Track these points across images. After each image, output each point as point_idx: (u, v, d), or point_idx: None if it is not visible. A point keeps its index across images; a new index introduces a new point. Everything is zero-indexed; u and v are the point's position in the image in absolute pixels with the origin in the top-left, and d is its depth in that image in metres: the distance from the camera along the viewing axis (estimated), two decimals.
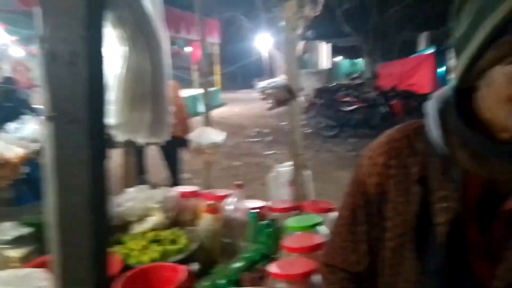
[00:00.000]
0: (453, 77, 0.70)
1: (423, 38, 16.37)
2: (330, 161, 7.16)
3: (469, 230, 0.69)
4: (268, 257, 1.35)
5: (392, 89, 10.07)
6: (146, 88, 1.37)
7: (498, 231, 0.67)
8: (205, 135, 2.03)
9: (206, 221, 1.63)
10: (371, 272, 0.81)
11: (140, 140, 1.44)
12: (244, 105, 14.97)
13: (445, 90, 0.75)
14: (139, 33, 1.32)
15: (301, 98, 1.71)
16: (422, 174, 0.74)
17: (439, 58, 10.42)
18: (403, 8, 13.77)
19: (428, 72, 11.05)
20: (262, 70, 18.41)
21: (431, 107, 0.75)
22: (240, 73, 31.92)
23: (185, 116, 4.66)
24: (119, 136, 1.39)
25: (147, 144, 1.47)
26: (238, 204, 1.59)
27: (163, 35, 1.45)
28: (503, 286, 0.65)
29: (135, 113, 1.38)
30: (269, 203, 1.70)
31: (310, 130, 10.09)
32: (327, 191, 4.93)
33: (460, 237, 0.69)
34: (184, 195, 1.77)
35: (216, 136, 2.00)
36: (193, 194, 1.79)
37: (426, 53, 12.06)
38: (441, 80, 9.76)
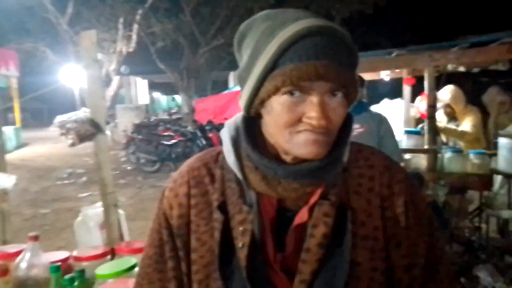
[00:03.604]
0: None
1: (232, 77, 18.00)
2: (152, 197, 6.96)
3: (267, 248, 0.72)
4: None
5: (208, 122, 10.61)
6: None
7: (291, 246, 0.71)
8: None
9: None
10: None
11: None
12: (54, 144, 13.37)
13: (236, 118, 0.79)
14: None
15: (108, 132, 1.60)
16: (222, 200, 0.75)
17: None
18: (211, 50, 14.91)
19: (239, 106, 12.10)
20: (73, 106, 16.94)
21: (224, 135, 0.78)
22: (47, 109, 28.69)
23: None
24: None
25: None
26: (34, 260, 1.34)
27: None
28: None
29: None
30: (75, 252, 1.49)
31: (131, 167, 9.68)
32: None
33: (261, 256, 0.71)
34: None
35: (3, 180, 1.67)
36: None
37: (235, 90, 13.24)
38: None
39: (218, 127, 10.39)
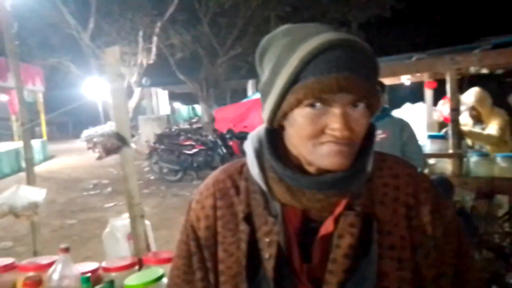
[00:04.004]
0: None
1: (250, 85, 18.14)
2: (176, 206, 7.04)
3: (293, 259, 0.73)
4: None
5: (228, 131, 10.69)
6: None
7: (317, 256, 0.72)
8: (19, 195, 1.74)
9: None
10: None
11: None
12: (79, 156, 13.70)
13: (259, 130, 0.80)
14: None
15: (133, 145, 1.64)
16: (248, 211, 0.76)
17: None
18: (229, 59, 15.06)
19: (258, 114, 12.16)
20: (97, 118, 17.35)
21: (248, 147, 0.79)
22: (72, 122, 29.45)
23: None
24: None
25: None
26: (65, 271, 1.38)
27: None
28: None
29: None
30: (104, 263, 1.53)
31: (154, 177, 9.82)
32: (175, 237, 4.77)
33: (287, 267, 0.72)
34: None
35: (34, 194, 1.73)
36: (6, 267, 1.49)
37: (254, 98, 13.30)
38: None
39: (238, 135, 10.46)
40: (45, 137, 14.65)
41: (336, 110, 0.65)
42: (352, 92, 0.65)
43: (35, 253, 2.46)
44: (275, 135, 0.76)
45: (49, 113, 13.46)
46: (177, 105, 25.14)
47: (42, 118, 13.25)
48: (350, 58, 0.65)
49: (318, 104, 0.66)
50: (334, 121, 0.65)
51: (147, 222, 1.75)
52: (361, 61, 0.66)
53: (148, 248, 1.73)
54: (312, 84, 0.64)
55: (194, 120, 17.74)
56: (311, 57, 0.65)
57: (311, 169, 0.72)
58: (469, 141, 3.89)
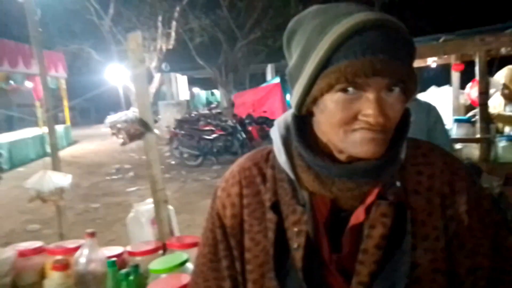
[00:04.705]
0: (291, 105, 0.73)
1: (269, 70, 17.99)
2: (197, 190, 7.12)
3: (322, 249, 0.71)
4: None
5: (248, 116, 10.68)
6: None
7: (347, 246, 0.70)
8: (46, 180, 1.77)
9: (54, 280, 1.41)
10: None
11: None
12: (101, 141, 13.97)
13: (286, 117, 0.78)
14: None
15: (156, 131, 1.64)
16: (275, 200, 0.74)
17: (286, 86, 11.53)
18: (248, 44, 14.93)
19: (277, 99, 12.15)
20: (118, 103, 17.59)
21: (274, 134, 0.77)
22: (94, 107, 29.96)
23: None
24: None
25: None
26: (92, 255, 1.41)
27: None
28: None
29: None
30: (129, 247, 1.55)
31: (174, 162, 9.94)
32: (196, 222, 4.87)
33: (316, 257, 0.70)
34: (23, 253, 1.49)
35: (60, 179, 1.77)
36: (36, 251, 1.52)
37: (273, 82, 13.20)
38: (289, 106, 10.82)
39: (258, 120, 10.44)
40: (68, 123, 14.99)
41: (370, 95, 0.62)
42: (388, 76, 0.61)
43: (61, 236, 2.53)
44: (303, 121, 0.74)
45: (71, 99, 13.73)
46: (196, 90, 25.23)
47: (65, 104, 13.50)
48: (385, 40, 0.61)
49: (350, 89, 0.63)
50: (368, 107, 0.62)
51: (170, 207, 1.76)
52: (397, 43, 0.62)
53: (171, 233, 1.74)
54: (345, 67, 0.61)
55: (213, 105, 17.80)
56: (343, 39, 0.61)
57: (341, 157, 0.70)
58: (499, 125, 3.77)
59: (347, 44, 0.61)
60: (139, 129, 1.59)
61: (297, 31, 0.69)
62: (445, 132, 2.65)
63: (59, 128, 12.48)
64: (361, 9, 0.65)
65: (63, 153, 11.42)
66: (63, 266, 1.41)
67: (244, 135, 9.65)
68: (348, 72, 0.61)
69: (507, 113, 3.58)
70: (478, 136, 3.26)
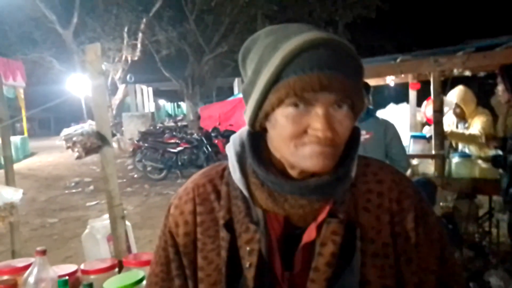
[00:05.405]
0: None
1: (237, 83, 18.10)
2: (160, 205, 6.97)
3: (275, 267, 0.71)
4: None
5: (214, 129, 10.63)
6: None
7: (299, 264, 0.70)
8: None
9: None
10: None
11: None
12: (60, 153, 13.44)
13: (241, 133, 0.78)
14: None
15: (114, 144, 1.60)
16: (228, 217, 0.74)
17: None
18: (215, 57, 14.99)
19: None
20: (80, 115, 17.06)
21: (229, 151, 0.77)
22: (54, 118, 28.92)
23: None
24: None
25: None
26: (42, 274, 1.33)
27: None
28: None
29: None
30: (83, 266, 1.49)
31: (137, 175, 9.71)
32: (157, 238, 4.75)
33: (269, 276, 0.70)
34: None
35: (10, 194, 1.68)
36: None
37: (240, 96, 13.24)
38: None
39: (224, 134, 10.41)
40: (26, 134, 14.37)
41: (319, 110, 0.64)
42: (335, 91, 0.63)
43: (13, 253, 2.40)
44: (257, 138, 0.74)
45: (30, 109, 13.17)
46: (162, 102, 24.92)
47: (23, 114, 12.95)
48: (332, 57, 0.63)
49: (300, 105, 0.64)
50: (316, 121, 0.63)
51: (127, 223, 1.71)
52: (344, 60, 0.64)
53: (128, 249, 1.69)
54: (294, 82, 0.62)
55: (179, 118, 17.60)
56: (293, 56, 0.63)
57: (293, 173, 0.70)
58: (453, 142, 3.94)
59: (296, 60, 0.63)
60: (96, 143, 1.54)
61: (251, 49, 0.71)
62: (402, 148, 2.75)
63: (15, 139, 11.94)
64: (311, 28, 0.67)
65: (19, 166, 10.91)
66: (10, 286, 1.33)
67: (210, 149, 9.59)
68: (296, 87, 0.62)
69: (460, 130, 3.76)
70: (433, 152, 3.40)
